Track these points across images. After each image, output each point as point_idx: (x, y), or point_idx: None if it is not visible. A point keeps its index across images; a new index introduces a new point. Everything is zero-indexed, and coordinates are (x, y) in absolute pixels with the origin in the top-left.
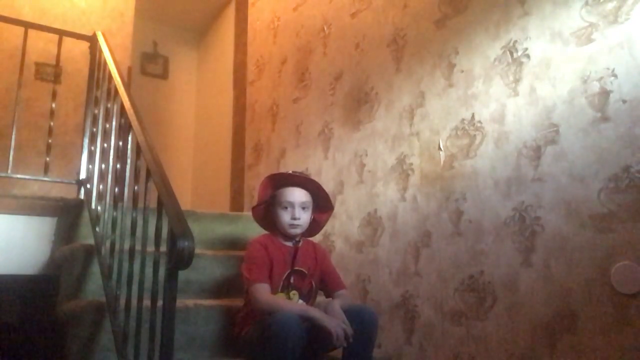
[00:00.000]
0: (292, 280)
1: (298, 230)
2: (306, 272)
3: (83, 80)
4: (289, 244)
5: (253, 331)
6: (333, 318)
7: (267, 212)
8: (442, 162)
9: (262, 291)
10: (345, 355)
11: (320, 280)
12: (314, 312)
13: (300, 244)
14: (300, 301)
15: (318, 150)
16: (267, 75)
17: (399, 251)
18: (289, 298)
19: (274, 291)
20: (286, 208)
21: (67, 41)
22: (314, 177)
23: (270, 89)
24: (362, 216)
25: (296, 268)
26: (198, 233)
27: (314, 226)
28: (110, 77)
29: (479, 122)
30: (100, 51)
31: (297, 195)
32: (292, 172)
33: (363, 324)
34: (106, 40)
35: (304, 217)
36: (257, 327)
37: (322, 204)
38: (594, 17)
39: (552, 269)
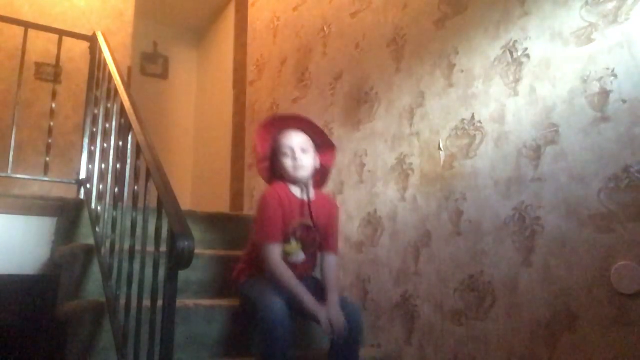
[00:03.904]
0: (298, 232)
1: (304, 172)
2: (312, 225)
3: (83, 80)
4: (302, 196)
5: (246, 289)
6: (324, 309)
7: (272, 166)
8: (442, 162)
9: (274, 254)
10: (331, 353)
11: (323, 235)
12: (309, 301)
13: (313, 196)
14: (301, 253)
15: None
16: (267, 75)
17: (399, 251)
18: (293, 248)
19: (283, 238)
20: (287, 154)
21: (67, 41)
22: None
23: (270, 89)
24: (362, 216)
25: (305, 221)
26: (198, 233)
27: (324, 172)
28: (110, 77)
29: (479, 122)
30: (100, 51)
31: (295, 138)
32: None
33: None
34: (106, 40)
35: (307, 159)
36: (247, 291)
37: (321, 143)
38: (594, 17)
39: (552, 269)
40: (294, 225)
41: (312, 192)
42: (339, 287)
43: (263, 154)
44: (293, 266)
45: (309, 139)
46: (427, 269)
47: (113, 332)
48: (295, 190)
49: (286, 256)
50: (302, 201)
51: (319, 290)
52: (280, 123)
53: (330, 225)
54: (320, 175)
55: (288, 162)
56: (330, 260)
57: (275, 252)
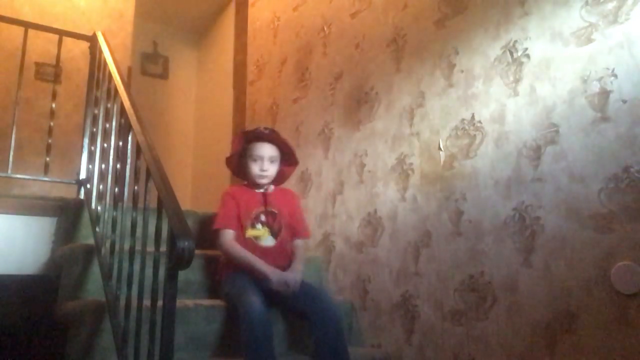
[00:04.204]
0: (263, 219)
1: (265, 180)
2: (276, 212)
3: (83, 80)
4: (260, 190)
5: (227, 287)
6: (276, 270)
7: (239, 163)
8: (442, 162)
9: (227, 237)
10: (315, 349)
11: (290, 222)
12: (261, 265)
13: (271, 189)
14: (270, 237)
15: (318, 150)
16: (267, 75)
17: (399, 251)
18: (261, 234)
19: (246, 225)
20: (256, 160)
21: (67, 41)
22: (314, 177)
23: (270, 89)
24: (362, 216)
25: (268, 209)
26: (198, 233)
27: (280, 176)
28: (110, 77)
29: (479, 122)
30: (100, 51)
31: (267, 149)
32: (264, 128)
33: (326, 326)
34: (106, 40)
35: (272, 169)
36: (228, 289)
37: (288, 158)
38: (594, 17)
39: (552, 269)
40: (257, 212)
41: (272, 187)
42: (303, 261)
43: (235, 150)
44: (265, 251)
45: (279, 153)
46: (427, 269)
47: (113, 332)
48: (253, 187)
49: (256, 240)
50: (261, 193)
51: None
52: (260, 134)
53: (294, 212)
54: (280, 177)
55: (255, 168)
56: (298, 242)
57: (227, 236)
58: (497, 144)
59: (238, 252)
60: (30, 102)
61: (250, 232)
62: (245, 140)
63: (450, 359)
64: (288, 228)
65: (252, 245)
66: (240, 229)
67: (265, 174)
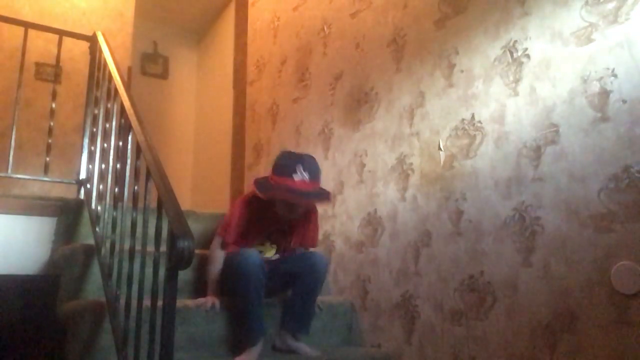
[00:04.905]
0: (273, 237)
1: (292, 217)
2: (287, 230)
3: (83, 80)
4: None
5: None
6: (210, 300)
7: (270, 186)
8: (442, 162)
9: (219, 245)
10: (293, 293)
11: (300, 237)
12: (211, 286)
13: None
14: (275, 253)
15: (318, 150)
16: (267, 75)
17: (399, 251)
18: (267, 250)
19: (253, 242)
20: (287, 205)
21: (67, 41)
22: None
23: (270, 89)
24: (362, 216)
25: (282, 228)
26: (198, 233)
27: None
28: (110, 77)
29: (479, 122)
30: (100, 51)
31: (304, 200)
32: (305, 191)
33: (313, 267)
34: (106, 41)
35: (299, 212)
36: (227, 260)
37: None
38: (594, 17)
39: (552, 269)
40: (269, 230)
41: None
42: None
43: (271, 188)
44: (267, 261)
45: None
46: (427, 269)
47: (113, 332)
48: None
49: (259, 251)
50: (282, 218)
51: (287, 276)
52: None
53: (308, 228)
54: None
55: (284, 209)
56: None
57: (220, 245)
58: (497, 144)
59: (213, 265)
60: (30, 102)
61: (256, 247)
62: (288, 179)
63: (450, 359)
64: (296, 244)
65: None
66: (244, 243)
67: (293, 216)
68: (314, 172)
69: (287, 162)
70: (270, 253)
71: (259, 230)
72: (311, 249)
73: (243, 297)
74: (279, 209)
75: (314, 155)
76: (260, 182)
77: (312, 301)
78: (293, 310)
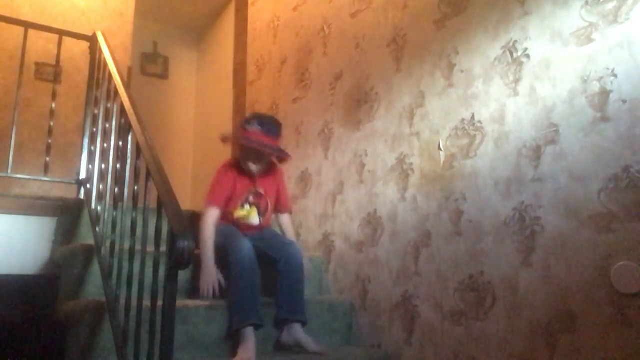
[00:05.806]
0: (251, 199)
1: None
2: (263, 192)
3: (83, 80)
4: (251, 170)
5: (217, 240)
6: (211, 275)
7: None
8: (442, 162)
9: (211, 216)
10: (280, 285)
11: (274, 200)
12: (208, 259)
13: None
14: (257, 216)
15: (318, 150)
16: (267, 75)
17: (399, 251)
18: (249, 212)
19: (236, 206)
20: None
21: (67, 41)
22: (314, 177)
23: (270, 89)
24: (362, 216)
25: (256, 189)
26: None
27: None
28: (110, 77)
29: (479, 122)
30: (100, 51)
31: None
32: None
33: (290, 256)
34: (106, 40)
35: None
36: (219, 241)
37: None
38: (594, 17)
39: (552, 269)
40: (246, 193)
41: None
42: (294, 236)
43: (248, 140)
44: (251, 228)
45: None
46: (427, 269)
47: (113, 332)
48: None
49: (243, 220)
50: (250, 174)
51: (265, 257)
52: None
53: (278, 190)
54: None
55: (254, 158)
56: (285, 218)
57: (212, 216)
58: (497, 144)
59: (206, 236)
60: (30, 102)
61: (239, 213)
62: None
63: (450, 359)
64: (272, 205)
65: (239, 222)
66: (230, 208)
67: (259, 167)
68: (276, 131)
69: (252, 119)
70: (254, 215)
71: (240, 193)
72: (290, 238)
73: (237, 282)
74: (250, 159)
75: (314, 155)
76: (233, 134)
77: (301, 290)
78: (285, 299)
